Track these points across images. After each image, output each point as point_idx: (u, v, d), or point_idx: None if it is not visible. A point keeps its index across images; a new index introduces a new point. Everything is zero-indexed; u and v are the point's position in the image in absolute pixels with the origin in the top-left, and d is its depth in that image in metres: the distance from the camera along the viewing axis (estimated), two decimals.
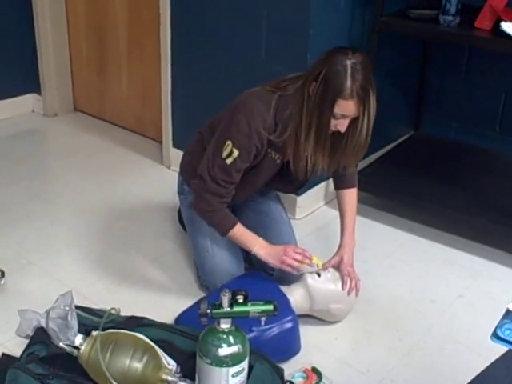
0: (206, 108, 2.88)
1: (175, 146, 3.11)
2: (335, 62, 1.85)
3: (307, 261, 2.07)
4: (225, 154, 2.00)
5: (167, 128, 3.12)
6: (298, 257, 2.06)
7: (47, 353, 1.73)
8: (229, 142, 1.99)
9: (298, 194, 2.71)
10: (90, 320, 1.80)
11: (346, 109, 1.87)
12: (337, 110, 1.87)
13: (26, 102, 3.72)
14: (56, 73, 3.65)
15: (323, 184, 2.82)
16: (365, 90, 1.85)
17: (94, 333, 1.70)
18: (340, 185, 2.26)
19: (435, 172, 2.90)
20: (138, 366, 1.66)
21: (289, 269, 2.07)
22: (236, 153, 1.99)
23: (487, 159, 3.06)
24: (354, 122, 1.92)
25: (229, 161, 2.00)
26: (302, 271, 2.12)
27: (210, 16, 2.76)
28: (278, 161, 2.10)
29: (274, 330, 1.90)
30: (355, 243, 2.20)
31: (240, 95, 2.08)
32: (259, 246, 2.09)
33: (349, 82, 1.83)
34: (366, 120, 1.90)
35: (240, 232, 2.10)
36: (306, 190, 2.73)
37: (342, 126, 1.92)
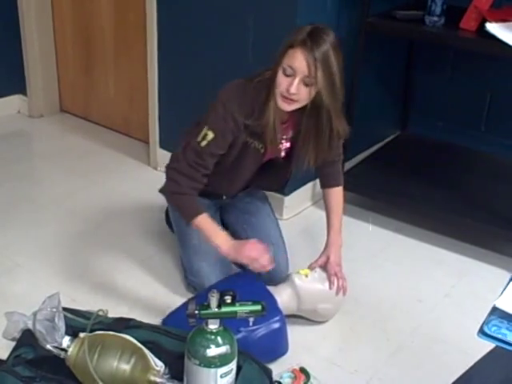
0: (192, 109, 2.86)
1: (162, 146, 3.11)
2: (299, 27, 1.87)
3: (264, 259, 1.98)
4: (200, 137, 1.99)
5: (154, 129, 3.11)
6: (255, 253, 1.97)
7: (34, 355, 1.72)
8: (204, 127, 1.99)
9: (286, 194, 2.72)
10: (78, 322, 1.79)
11: (292, 58, 1.82)
12: (285, 61, 1.84)
13: (11, 103, 3.70)
14: (42, 73, 3.63)
15: (310, 184, 2.83)
16: (318, 43, 1.81)
17: (82, 334, 1.70)
18: (325, 183, 2.27)
19: (422, 172, 2.91)
20: (125, 367, 1.66)
21: (246, 261, 1.99)
22: (211, 135, 1.97)
23: (473, 159, 3.08)
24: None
25: (203, 143, 1.99)
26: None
27: (196, 17, 2.76)
28: (262, 150, 2.09)
29: (262, 330, 1.91)
30: (342, 242, 2.21)
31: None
32: (222, 240, 2.01)
33: (304, 35, 1.82)
34: (320, 77, 1.83)
35: (205, 222, 2.02)
36: (293, 191, 2.74)
37: (289, 84, 1.85)
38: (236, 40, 2.66)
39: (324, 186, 2.27)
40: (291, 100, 1.90)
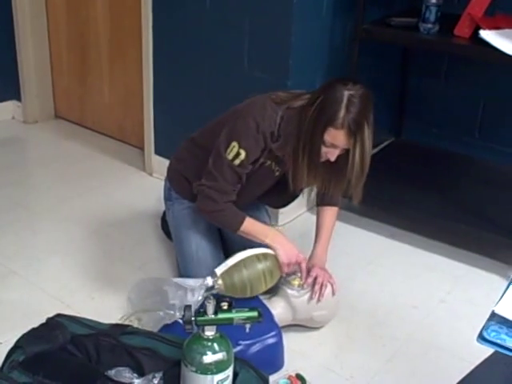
0: (188, 115, 2.89)
1: (157, 153, 3.11)
2: (333, 90, 1.87)
3: (301, 267, 2.09)
4: (231, 155, 1.99)
5: (149, 135, 3.12)
6: (298, 259, 2.06)
7: (25, 356, 1.69)
8: (235, 144, 1.99)
9: None
10: (75, 328, 1.78)
11: (335, 138, 1.88)
12: (327, 137, 1.89)
13: (5, 109, 3.70)
14: (36, 79, 3.63)
15: (305, 191, 2.83)
16: (357, 124, 1.85)
17: (217, 270, 1.94)
18: (323, 201, 2.26)
19: (416, 178, 2.92)
20: (267, 264, 1.99)
21: (288, 269, 2.05)
22: (243, 155, 1.99)
23: (467, 165, 3.10)
24: (347, 153, 1.93)
25: (236, 162, 2.00)
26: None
27: (191, 23, 2.76)
28: (277, 173, 2.11)
29: (258, 345, 1.90)
30: (326, 259, 2.19)
31: (247, 100, 2.08)
32: (273, 236, 2.06)
33: (342, 112, 1.84)
34: (357, 154, 1.90)
35: (251, 224, 2.07)
36: None
37: (331, 154, 1.93)
38: (231, 45, 2.66)
39: (321, 203, 2.27)
40: None
